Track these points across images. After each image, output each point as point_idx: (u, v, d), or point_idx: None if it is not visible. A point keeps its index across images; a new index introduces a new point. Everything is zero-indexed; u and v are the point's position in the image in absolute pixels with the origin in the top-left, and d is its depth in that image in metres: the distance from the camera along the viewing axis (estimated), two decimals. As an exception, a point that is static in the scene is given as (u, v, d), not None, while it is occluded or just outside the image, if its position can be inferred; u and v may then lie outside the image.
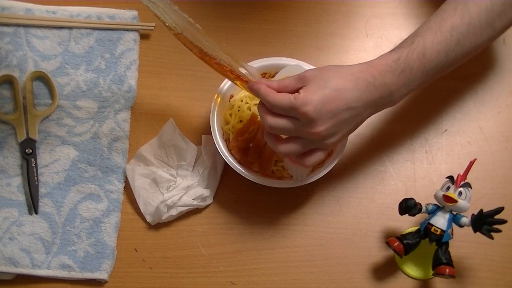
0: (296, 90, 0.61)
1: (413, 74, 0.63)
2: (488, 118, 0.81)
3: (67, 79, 0.81)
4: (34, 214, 0.74)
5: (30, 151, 0.76)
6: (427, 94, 0.82)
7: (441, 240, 0.68)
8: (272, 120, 0.61)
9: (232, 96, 0.76)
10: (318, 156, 0.64)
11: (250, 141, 0.73)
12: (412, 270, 0.73)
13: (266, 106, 0.62)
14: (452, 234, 0.69)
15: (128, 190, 0.76)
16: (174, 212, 0.73)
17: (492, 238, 0.66)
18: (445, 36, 0.64)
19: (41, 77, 0.80)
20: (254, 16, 0.86)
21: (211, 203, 0.76)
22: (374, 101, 0.62)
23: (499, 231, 0.66)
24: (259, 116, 0.74)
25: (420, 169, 0.78)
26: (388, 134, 0.80)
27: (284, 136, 0.65)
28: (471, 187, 0.68)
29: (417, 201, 0.70)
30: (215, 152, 0.75)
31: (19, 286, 0.72)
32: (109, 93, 0.80)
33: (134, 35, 0.83)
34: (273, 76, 0.75)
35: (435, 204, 0.70)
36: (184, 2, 0.86)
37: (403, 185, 0.77)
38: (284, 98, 0.60)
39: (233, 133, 0.74)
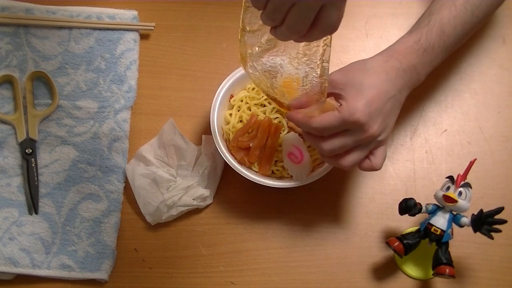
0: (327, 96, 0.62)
1: (435, 51, 0.65)
2: (488, 118, 0.81)
3: (67, 79, 0.81)
4: (34, 214, 0.74)
5: (30, 151, 0.76)
6: (427, 93, 0.82)
7: (441, 240, 0.68)
8: (328, 145, 0.61)
9: (232, 96, 0.76)
10: (382, 153, 0.64)
11: (250, 141, 0.73)
12: (412, 270, 0.73)
13: (312, 134, 0.62)
14: (452, 234, 0.69)
15: (128, 190, 0.76)
16: (174, 212, 0.73)
17: (492, 238, 0.66)
18: (460, 9, 0.66)
19: (41, 77, 0.80)
20: (254, 16, 0.86)
21: (211, 203, 0.76)
22: (406, 84, 0.64)
23: (499, 231, 0.66)
24: (259, 116, 0.74)
25: (420, 169, 0.78)
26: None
27: None
28: (471, 187, 0.68)
29: (417, 201, 0.70)
30: (215, 152, 0.75)
31: (19, 286, 0.72)
32: (109, 93, 0.80)
33: (134, 35, 0.83)
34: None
35: (435, 204, 0.70)
36: (186, 2, 0.87)
37: (403, 185, 0.77)
38: (330, 117, 0.60)
39: (233, 133, 0.74)
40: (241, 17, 0.59)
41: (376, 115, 0.60)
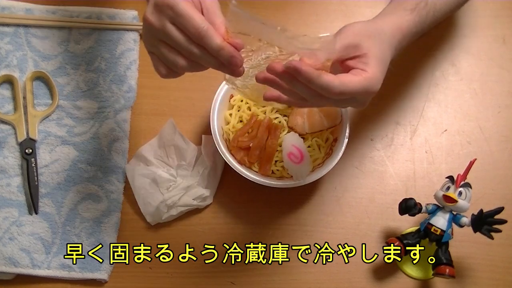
0: (343, 60, 0.59)
1: (424, 31, 0.67)
2: (488, 118, 0.81)
3: (67, 79, 0.81)
4: (34, 214, 0.74)
5: (30, 151, 0.76)
6: (427, 93, 0.82)
7: (441, 240, 0.68)
8: (331, 104, 0.58)
9: (232, 96, 0.76)
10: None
11: (250, 141, 0.73)
12: (412, 270, 0.73)
13: (312, 89, 0.54)
14: (452, 234, 0.69)
15: (128, 190, 0.76)
16: (174, 212, 0.73)
17: (492, 238, 0.66)
18: None
19: (41, 77, 0.80)
20: (254, 16, 0.86)
21: (211, 203, 0.76)
22: None
23: (499, 231, 0.66)
24: (259, 116, 0.74)
25: (420, 169, 0.78)
26: (388, 134, 0.80)
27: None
28: (471, 187, 0.68)
29: (417, 201, 0.70)
30: (215, 152, 0.75)
31: (19, 286, 0.72)
32: (109, 93, 0.80)
33: (134, 35, 0.83)
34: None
35: (435, 204, 0.70)
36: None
37: (403, 185, 0.77)
38: (353, 84, 0.55)
39: (233, 133, 0.74)
40: None
41: (382, 78, 0.59)
